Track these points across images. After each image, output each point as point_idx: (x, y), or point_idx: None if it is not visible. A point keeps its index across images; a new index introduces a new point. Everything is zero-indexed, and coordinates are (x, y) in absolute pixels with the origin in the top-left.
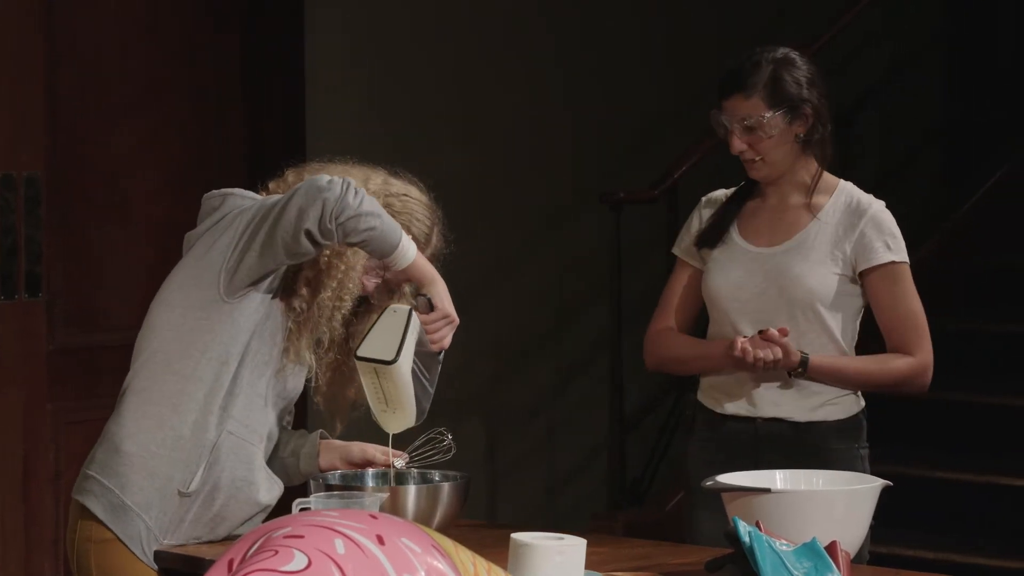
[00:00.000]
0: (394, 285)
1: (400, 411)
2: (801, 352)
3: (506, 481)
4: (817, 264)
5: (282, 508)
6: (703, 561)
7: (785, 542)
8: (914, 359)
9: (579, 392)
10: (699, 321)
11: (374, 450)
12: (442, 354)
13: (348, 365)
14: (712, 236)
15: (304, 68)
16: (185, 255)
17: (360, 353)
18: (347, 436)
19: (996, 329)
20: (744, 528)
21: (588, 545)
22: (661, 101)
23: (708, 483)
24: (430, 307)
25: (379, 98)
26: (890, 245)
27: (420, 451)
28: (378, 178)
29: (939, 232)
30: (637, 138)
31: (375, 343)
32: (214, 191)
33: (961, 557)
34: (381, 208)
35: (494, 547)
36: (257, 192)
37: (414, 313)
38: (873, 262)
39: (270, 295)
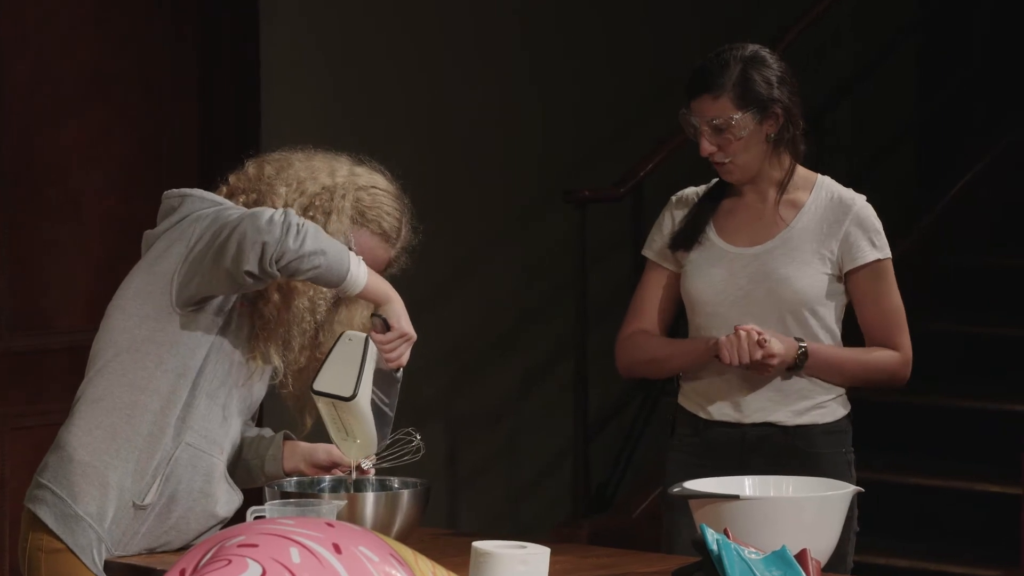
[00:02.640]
0: None
1: (361, 440)
2: (798, 341)
3: (468, 488)
4: (804, 264)
5: (238, 516)
6: (670, 570)
7: (754, 550)
8: (899, 354)
9: (542, 396)
10: (674, 326)
11: (340, 452)
12: (400, 372)
13: (317, 360)
14: (688, 237)
15: (260, 59)
16: (144, 256)
17: (317, 387)
18: (313, 437)
19: (969, 331)
20: (712, 536)
21: (552, 553)
22: (628, 98)
23: (675, 489)
24: (386, 327)
25: (339, 93)
26: (875, 242)
27: (388, 452)
28: (343, 169)
29: (912, 231)
30: (604, 135)
31: (332, 376)
32: (173, 190)
33: (934, 565)
34: (326, 240)
35: (455, 556)
36: (216, 185)
37: (371, 341)
38: (859, 261)
39: (231, 303)
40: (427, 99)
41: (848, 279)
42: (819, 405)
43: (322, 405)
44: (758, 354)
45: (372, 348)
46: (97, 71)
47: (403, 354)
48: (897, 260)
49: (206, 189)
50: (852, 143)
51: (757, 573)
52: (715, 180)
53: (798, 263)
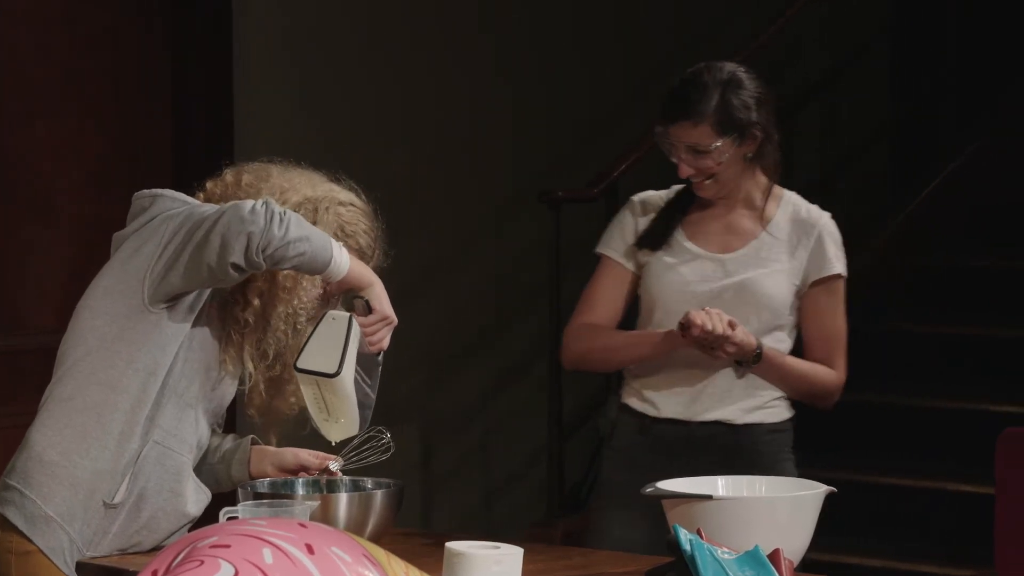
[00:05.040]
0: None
1: (343, 420)
2: (757, 339)
3: (441, 488)
4: (775, 272)
5: (209, 517)
6: (643, 570)
7: (727, 550)
8: (836, 374)
9: (516, 397)
10: (623, 324)
11: (307, 455)
12: (381, 355)
13: (285, 376)
14: (657, 239)
15: (232, 60)
16: (112, 256)
17: (300, 365)
18: (280, 442)
19: (946, 331)
20: (685, 536)
21: (525, 554)
22: (601, 99)
23: (648, 490)
24: (368, 309)
25: (312, 93)
26: (840, 257)
27: (357, 452)
28: (322, 184)
29: (884, 232)
30: (577, 136)
31: (315, 353)
32: (144, 191)
33: (890, 563)
34: (309, 227)
35: (429, 556)
36: (193, 191)
37: (354, 320)
38: (825, 272)
39: (203, 303)
40: (399, 100)
41: (806, 293)
42: (767, 404)
43: (305, 386)
44: (727, 331)
45: (356, 327)
46: (69, 70)
47: (384, 338)
48: (870, 261)
49: (180, 190)
50: (824, 143)
51: (730, 573)
52: (680, 188)
53: (768, 271)
